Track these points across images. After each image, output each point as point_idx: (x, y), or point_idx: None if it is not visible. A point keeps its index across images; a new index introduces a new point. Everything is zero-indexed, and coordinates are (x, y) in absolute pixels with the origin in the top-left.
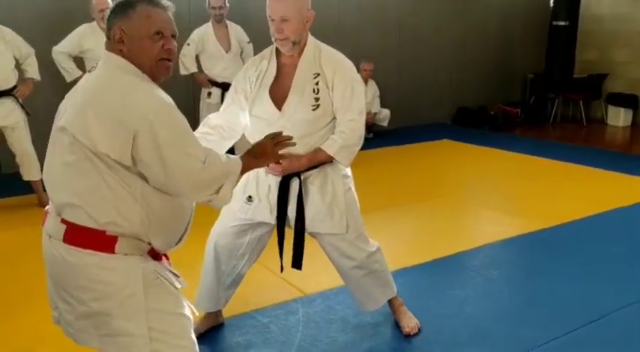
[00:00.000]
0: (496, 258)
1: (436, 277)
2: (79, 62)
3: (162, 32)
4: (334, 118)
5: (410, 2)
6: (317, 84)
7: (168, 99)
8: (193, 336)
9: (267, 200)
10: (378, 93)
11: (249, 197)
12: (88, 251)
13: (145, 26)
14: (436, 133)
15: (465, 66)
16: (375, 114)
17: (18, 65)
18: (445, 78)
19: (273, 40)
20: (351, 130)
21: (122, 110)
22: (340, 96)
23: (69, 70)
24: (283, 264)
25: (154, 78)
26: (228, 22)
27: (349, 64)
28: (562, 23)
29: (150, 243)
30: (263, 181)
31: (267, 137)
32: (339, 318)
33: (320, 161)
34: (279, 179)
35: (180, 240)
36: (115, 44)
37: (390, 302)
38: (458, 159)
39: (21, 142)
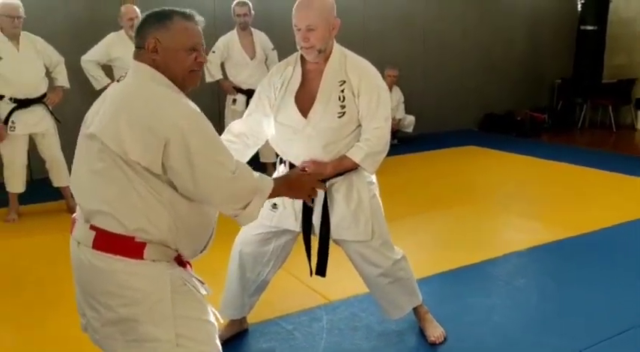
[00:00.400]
0: (523, 266)
1: (462, 285)
2: (108, 70)
3: (196, 47)
4: (359, 126)
5: (435, 8)
6: (343, 91)
7: (197, 108)
8: (218, 342)
9: (291, 207)
10: (402, 99)
11: (274, 204)
12: (117, 257)
13: (182, 39)
14: (462, 139)
15: (491, 71)
16: (400, 120)
17: (48, 73)
18: (471, 83)
19: (298, 47)
20: (376, 138)
21: (153, 118)
22: (366, 104)
23: (97, 78)
24: (311, 270)
25: (183, 87)
26: (252, 29)
27: (375, 71)
28: (590, 27)
29: (177, 250)
30: None
31: (307, 175)
32: (363, 325)
33: (345, 168)
34: None
35: (205, 247)
36: (147, 53)
37: (416, 310)
38: (484, 165)
39: (51, 149)
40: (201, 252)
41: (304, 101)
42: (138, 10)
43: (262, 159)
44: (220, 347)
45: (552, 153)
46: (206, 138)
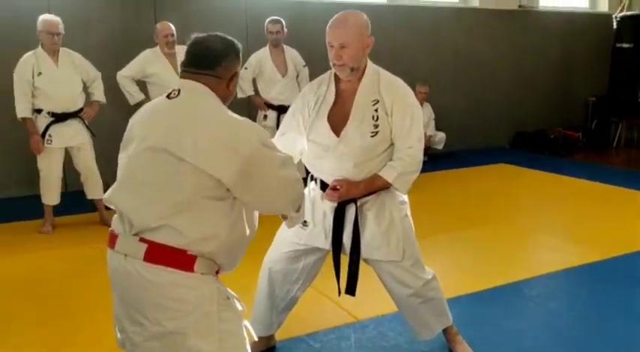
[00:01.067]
0: (556, 288)
1: (493, 307)
2: (142, 85)
3: None
4: (392, 145)
5: (466, 24)
6: (376, 111)
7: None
8: (247, 341)
9: (322, 225)
10: (433, 116)
11: (305, 222)
12: (170, 269)
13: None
14: (493, 157)
15: (523, 88)
16: (430, 137)
17: (85, 88)
18: (503, 101)
19: (331, 65)
20: (410, 158)
21: (234, 137)
22: (400, 124)
23: (133, 94)
24: (340, 289)
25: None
26: (284, 46)
27: (408, 90)
28: (626, 45)
29: (219, 265)
30: (318, 206)
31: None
32: (391, 346)
33: (377, 187)
34: (334, 205)
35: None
36: (225, 83)
37: (445, 330)
38: (516, 183)
39: (86, 162)
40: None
41: (337, 119)
42: (173, 27)
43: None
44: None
45: (586, 173)
46: (272, 150)
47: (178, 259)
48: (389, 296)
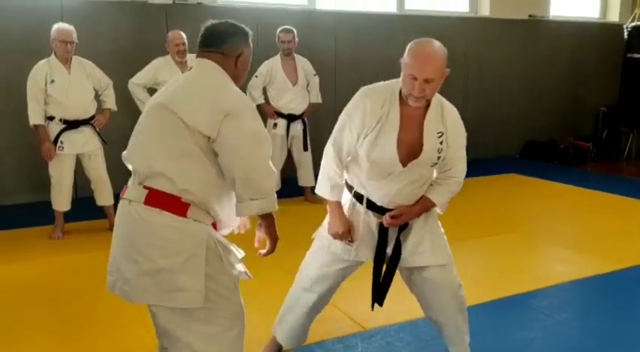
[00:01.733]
0: (566, 300)
1: (501, 317)
2: (153, 93)
3: None
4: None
5: (476, 34)
6: (441, 143)
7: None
8: (241, 300)
9: (370, 240)
10: None
11: (350, 240)
12: (165, 212)
13: (250, 56)
14: (503, 167)
15: (534, 98)
16: None
17: (96, 96)
18: (513, 110)
19: (406, 94)
20: (457, 186)
21: (220, 97)
22: (453, 156)
23: (144, 101)
24: (374, 300)
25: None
26: (296, 55)
27: (461, 123)
28: (637, 56)
29: (214, 217)
30: (364, 222)
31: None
32: None
33: (428, 209)
34: (379, 220)
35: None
36: (232, 61)
37: None
38: (526, 193)
39: (97, 169)
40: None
41: (403, 147)
42: (184, 36)
43: (301, 183)
44: (243, 304)
45: (597, 183)
46: (251, 119)
47: (173, 204)
48: (396, 305)
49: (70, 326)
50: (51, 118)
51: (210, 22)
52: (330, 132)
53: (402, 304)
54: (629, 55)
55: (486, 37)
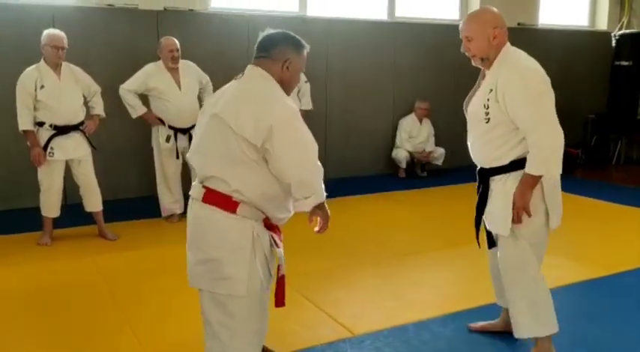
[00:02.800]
0: (555, 305)
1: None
2: (144, 99)
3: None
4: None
5: None
6: (488, 100)
7: (296, 108)
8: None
9: None
10: (433, 132)
11: None
12: (218, 209)
13: (302, 65)
14: None
15: None
16: (430, 153)
17: (85, 102)
18: None
19: None
20: (537, 142)
21: (265, 109)
22: (514, 114)
23: (135, 107)
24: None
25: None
26: None
27: (522, 77)
28: (625, 63)
29: (264, 213)
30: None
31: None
32: None
33: (530, 186)
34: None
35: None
36: (279, 65)
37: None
38: None
39: (86, 175)
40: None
41: (469, 103)
42: (177, 42)
43: None
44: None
45: (586, 190)
46: (297, 129)
47: (225, 202)
48: (384, 310)
49: (57, 332)
50: (41, 124)
51: (267, 30)
52: (321, 139)
53: (391, 310)
54: (617, 63)
55: None
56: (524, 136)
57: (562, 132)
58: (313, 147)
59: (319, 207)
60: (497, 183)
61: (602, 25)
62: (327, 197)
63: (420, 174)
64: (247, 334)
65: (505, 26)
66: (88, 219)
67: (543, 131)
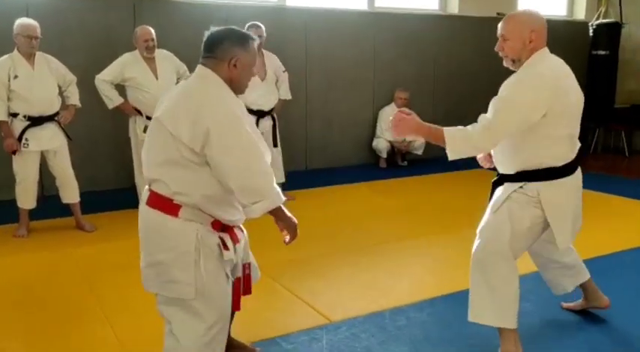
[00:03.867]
0: (528, 290)
1: (466, 308)
2: (121, 89)
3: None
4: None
5: (446, 32)
6: None
7: (237, 110)
8: (229, 301)
9: None
10: None
11: None
12: (160, 212)
13: (252, 60)
14: (470, 163)
15: None
16: (410, 142)
17: (61, 92)
18: (481, 107)
19: None
20: (472, 129)
21: (202, 113)
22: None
23: (112, 98)
24: None
25: (237, 92)
26: (264, 51)
27: (520, 79)
28: (602, 52)
29: (211, 216)
30: None
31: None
32: (362, 347)
33: (432, 136)
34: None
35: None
36: (224, 64)
37: None
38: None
39: (62, 165)
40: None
41: None
42: (153, 31)
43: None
44: (229, 306)
45: None
46: (236, 133)
47: (166, 205)
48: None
49: (34, 325)
50: (14, 115)
51: (210, 29)
52: (302, 129)
53: (367, 296)
54: (594, 52)
55: (455, 35)
56: (536, 148)
57: (493, 143)
58: (255, 150)
59: (280, 218)
60: (499, 189)
61: (580, 14)
62: (308, 186)
63: (400, 164)
64: (203, 332)
65: (544, 30)
66: (66, 210)
67: (493, 120)
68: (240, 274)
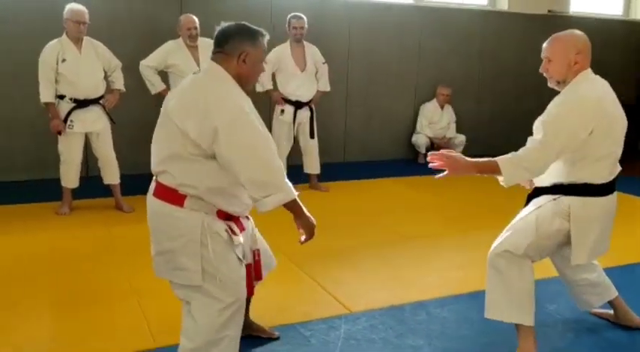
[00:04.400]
0: (556, 293)
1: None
2: (164, 76)
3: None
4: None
5: (494, 28)
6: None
7: (246, 107)
8: (243, 285)
9: None
10: (454, 118)
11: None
12: (166, 203)
13: (263, 54)
14: None
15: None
16: (450, 139)
17: (106, 76)
18: (528, 106)
19: None
20: (521, 154)
21: (210, 109)
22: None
23: (154, 83)
24: None
25: (245, 87)
26: (305, 42)
27: (562, 101)
28: None
29: (215, 206)
30: None
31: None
32: (380, 338)
33: (482, 167)
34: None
35: (249, 206)
36: (233, 60)
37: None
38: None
39: (104, 147)
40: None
41: None
42: (197, 20)
43: (306, 170)
44: (244, 289)
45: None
46: (244, 129)
47: (172, 196)
48: (384, 290)
49: (68, 297)
50: (61, 97)
51: (222, 24)
52: (341, 121)
53: (390, 289)
54: None
55: (504, 31)
56: (576, 165)
57: (545, 163)
58: (265, 145)
59: (297, 215)
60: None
61: (637, 14)
62: (344, 179)
63: None
64: (218, 312)
65: (588, 51)
66: (107, 191)
67: (542, 140)
68: (250, 260)
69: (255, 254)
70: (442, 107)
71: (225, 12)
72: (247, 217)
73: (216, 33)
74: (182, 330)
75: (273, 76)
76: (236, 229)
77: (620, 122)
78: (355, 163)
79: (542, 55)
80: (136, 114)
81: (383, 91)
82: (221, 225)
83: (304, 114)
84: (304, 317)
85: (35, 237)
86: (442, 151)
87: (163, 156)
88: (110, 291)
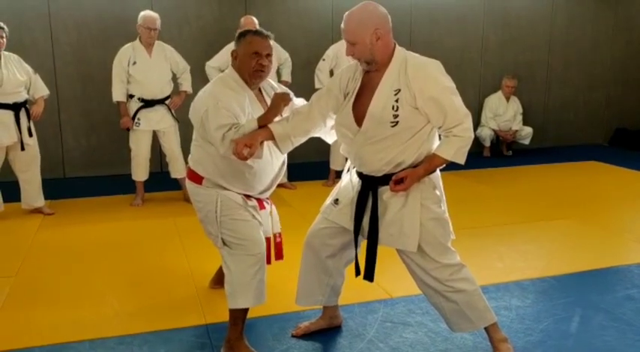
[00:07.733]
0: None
1: (531, 294)
2: None
3: (258, 52)
4: (424, 128)
5: (564, 14)
6: (397, 101)
7: (223, 98)
8: (259, 236)
9: (349, 206)
10: (520, 110)
11: (336, 200)
12: (191, 182)
13: (247, 48)
14: (584, 154)
15: (625, 84)
16: (517, 131)
17: (174, 78)
18: (601, 96)
19: None
20: (462, 132)
21: (198, 102)
22: (435, 108)
23: None
24: (357, 269)
25: (250, 83)
26: None
27: (433, 70)
28: None
29: (224, 186)
30: (353, 187)
31: (277, 96)
32: (415, 322)
33: (436, 167)
34: (359, 188)
35: (256, 190)
36: (232, 60)
37: (487, 331)
38: (604, 181)
39: (170, 144)
40: (260, 193)
41: (362, 109)
42: (256, 21)
43: (332, 166)
44: (263, 239)
45: None
46: (214, 119)
47: (194, 176)
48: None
49: (133, 278)
50: (131, 96)
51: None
52: None
53: None
54: None
55: (573, 20)
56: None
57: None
58: (220, 127)
59: (266, 113)
60: (395, 198)
61: None
62: None
63: (505, 153)
64: (249, 263)
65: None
66: (176, 184)
67: (462, 116)
68: (269, 235)
69: (277, 236)
70: (507, 99)
71: (288, 11)
72: (267, 201)
73: None
74: (225, 282)
75: (331, 72)
76: (252, 199)
77: None
78: None
79: (345, 40)
80: None
81: None
82: (237, 196)
83: None
84: (345, 301)
85: (110, 226)
86: (393, 178)
87: (192, 145)
88: (172, 274)
